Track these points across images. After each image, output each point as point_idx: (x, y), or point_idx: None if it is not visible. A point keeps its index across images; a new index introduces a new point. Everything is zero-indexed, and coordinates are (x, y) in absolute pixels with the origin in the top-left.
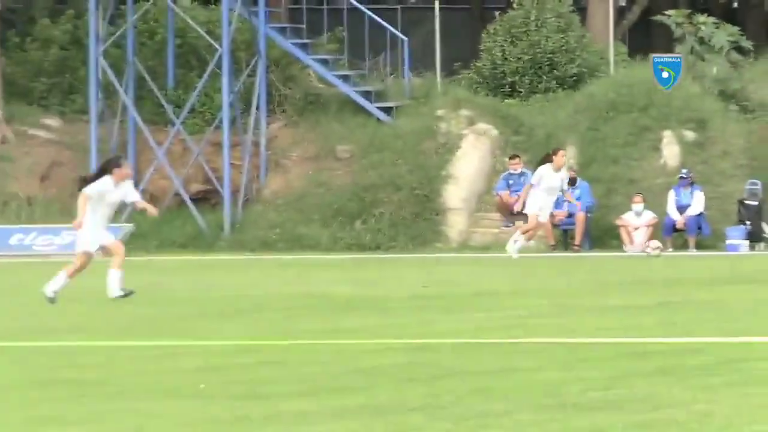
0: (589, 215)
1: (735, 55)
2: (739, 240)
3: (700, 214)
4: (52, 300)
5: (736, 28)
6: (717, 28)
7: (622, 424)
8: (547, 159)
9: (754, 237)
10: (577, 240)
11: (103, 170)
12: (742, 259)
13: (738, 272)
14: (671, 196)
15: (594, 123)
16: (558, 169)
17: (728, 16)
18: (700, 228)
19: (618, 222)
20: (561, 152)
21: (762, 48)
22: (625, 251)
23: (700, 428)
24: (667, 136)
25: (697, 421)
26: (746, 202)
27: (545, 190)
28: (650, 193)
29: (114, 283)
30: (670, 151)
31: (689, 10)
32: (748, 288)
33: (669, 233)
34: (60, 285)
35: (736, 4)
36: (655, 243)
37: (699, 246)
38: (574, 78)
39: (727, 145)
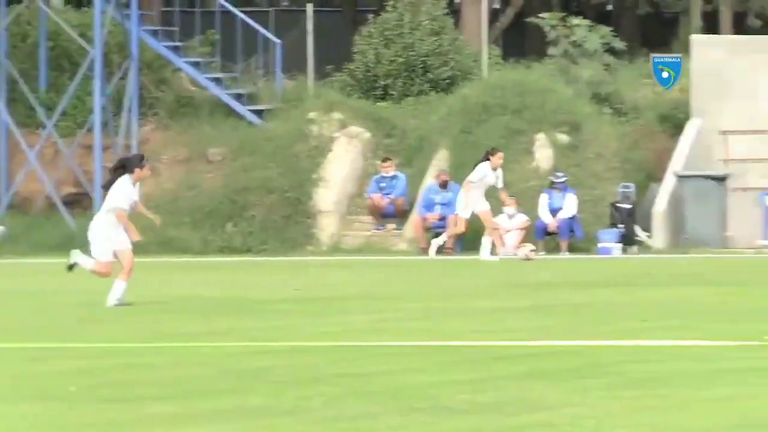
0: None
1: (608, 58)
2: (612, 243)
3: (573, 217)
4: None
5: (609, 30)
6: (590, 30)
7: (494, 427)
8: (485, 158)
9: (626, 240)
10: (450, 243)
11: (122, 168)
12: (615, 263)
13: (611, 275)
14: (543, 198)
15: (467, 126)
16: (495, 169)
17: (602, 18)
18: (572, 231)
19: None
20: (499, 153)
21: (636, 50)
22: (498, 254)
23: (573, 431)
24: (540, 138)
25: (569, 423)
26: (619, 205)
27: (482, 189)
28: (523, 195)
29: (116, 293)
30: (543, 154)
31: (563, 13)
32: (621, 291)
33: (541, 236)
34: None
35: (610, 7)
36: (527, 247)
37: (571, 249)
38: (447, 81)
39: (601, 147)
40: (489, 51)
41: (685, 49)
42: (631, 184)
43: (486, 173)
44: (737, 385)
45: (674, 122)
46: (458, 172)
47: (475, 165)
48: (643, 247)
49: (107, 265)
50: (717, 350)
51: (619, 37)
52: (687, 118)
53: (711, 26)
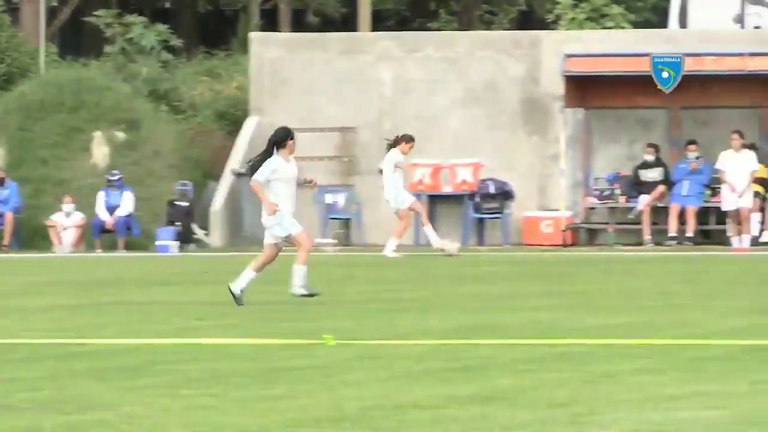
0: (17, 216)
1: (166, 55)
2: (170, 241)
3: (130, 215)
4: (238, 299)
5: (165, 27)
6: (146, 28)
7: (50, 425)
8: (395, 145)
9: (184, 238)
10: (6, 240)
11: (273, 145)
12: (173, 260)
13: (168, 273)
14: (101, 196)
15: (24, 123)
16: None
17: (161, 15)
18: (129, 228)
19: (48, 223)
20: (412, 143)
21: (194, 47)
22: (54, 252)
23: (130, 430)
24: (97, 136)
25: (126, 423)
26: (176, 203)
27: (400, 176)
28: (81, 193)
29: (298, 279)
30: (100, 152)
31: (119, 11)
32: (178, 289)
33: (98, 234)
34: (247, 282)
35: (168, 4)
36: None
37: (129, 247)
38: (4, 78)
39: (158, 145)
40: (46, 48)
41: (244, 46)
42: (189, 182)
43: (399, 160)
44: (295, 383)
45: (232, 120)
46: (15, 169)
47: (388, 152)
48: (201, 245)
49: (306, 236)
50: (275, 348)
51: (176, 35)
52: (245, 115)
53: (271, 23)
